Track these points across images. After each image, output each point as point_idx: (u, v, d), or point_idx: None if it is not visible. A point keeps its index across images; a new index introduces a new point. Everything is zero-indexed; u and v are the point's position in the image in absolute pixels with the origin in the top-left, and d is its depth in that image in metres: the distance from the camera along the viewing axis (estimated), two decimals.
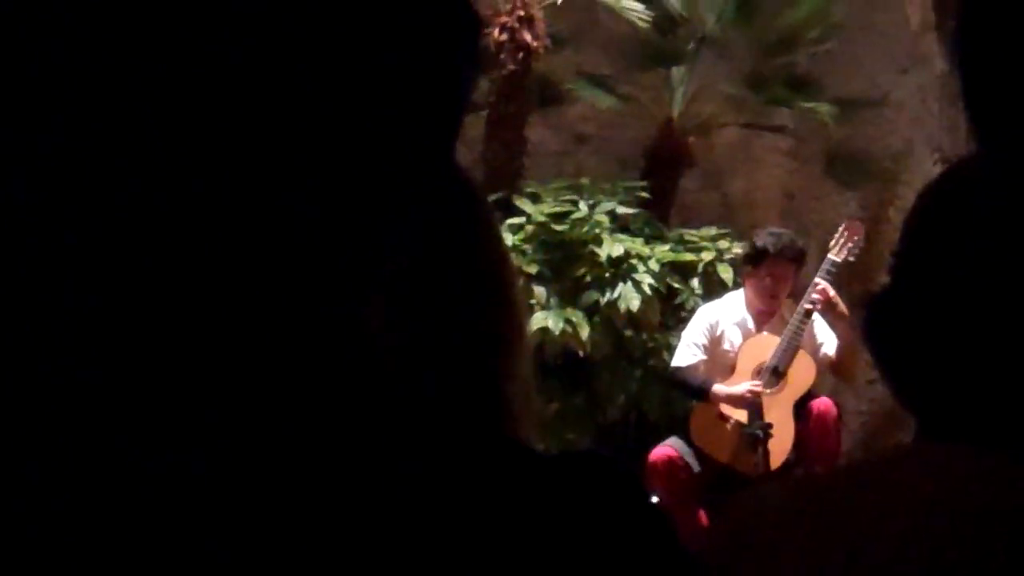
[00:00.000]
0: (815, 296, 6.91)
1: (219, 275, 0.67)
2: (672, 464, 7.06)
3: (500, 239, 1.53)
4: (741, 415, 6.97)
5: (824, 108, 9.06)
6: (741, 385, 6.99)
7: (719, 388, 7.01)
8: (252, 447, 0.68)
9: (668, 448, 7.13)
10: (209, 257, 0.66)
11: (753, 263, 7.13)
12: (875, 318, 1.49)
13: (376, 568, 0.68)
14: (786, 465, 6.93)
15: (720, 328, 7.20)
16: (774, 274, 7.02)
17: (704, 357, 7.18)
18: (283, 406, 0.69)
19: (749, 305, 7.18)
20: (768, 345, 7.08)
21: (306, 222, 0.68)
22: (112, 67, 0.64)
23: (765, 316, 7.15)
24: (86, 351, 0.65)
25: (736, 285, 7.70)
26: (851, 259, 7.09)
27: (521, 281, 7.99)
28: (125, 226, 0.65)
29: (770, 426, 6.89)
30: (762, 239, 7.12)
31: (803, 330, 6.99)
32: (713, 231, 8.59)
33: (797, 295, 7.19)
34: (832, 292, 6.86)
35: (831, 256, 7.13)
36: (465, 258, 1.31)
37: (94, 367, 0.66)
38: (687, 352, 7.22)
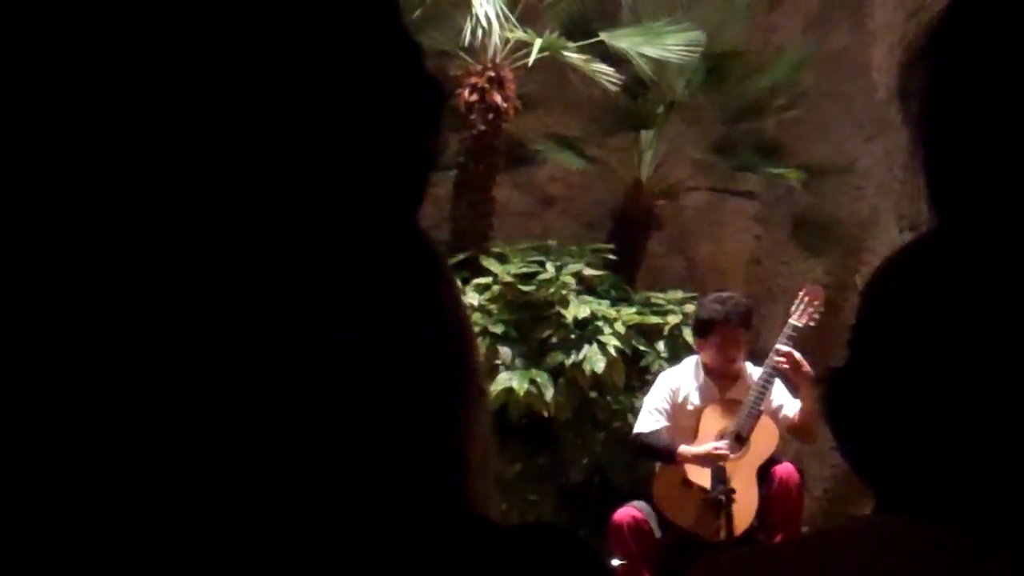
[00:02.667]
0: (778, 359, 6.93)
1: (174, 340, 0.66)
2: (637, 526, 7.03)
3: (460, 303, 1.52)
4: (705, 480, 6.94)
5: (791, 174, 9.12)
6: (707, 444, 6.97)
7: (685, 448, 6.99)
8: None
9: (633, 510, 7.10)
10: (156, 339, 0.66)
11: (702, 334, 7.16)
12: (833, 393, 1.49)
13: None
14: (750, 531, 6.92)
15: (682, 393, 7.18)
16: (724, 340, 7.05)
17: (667, 423, 7.14)
18: (227, 485, 0.68)
19: (708, 370, 7.17)
20: (730, 410, 7.08)
21: (262, 291, 0.67)
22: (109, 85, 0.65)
23: (726, 380, 7.16)
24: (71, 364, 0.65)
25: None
26: (811, 324, 7.10)
27: (487, 341, 8.07)
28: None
29: (733, 491, 6.85)
30: (707, 309, 7.16)
31: (765, 395, 7.00)
32: (680, 294, 8.61)
33: (759, 358, 7.21)
34: (797, 355, 6.86)
35: (792, 321, 7.16)
36: (424, 324, 1.30)
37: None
38: (650, 418, 7.19)
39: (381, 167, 0.70)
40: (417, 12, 8.43)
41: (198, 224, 0.66)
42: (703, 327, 7.14)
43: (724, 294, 7.39)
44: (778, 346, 6.97)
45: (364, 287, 0.72)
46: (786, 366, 6.89)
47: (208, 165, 0.66)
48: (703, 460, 6.97)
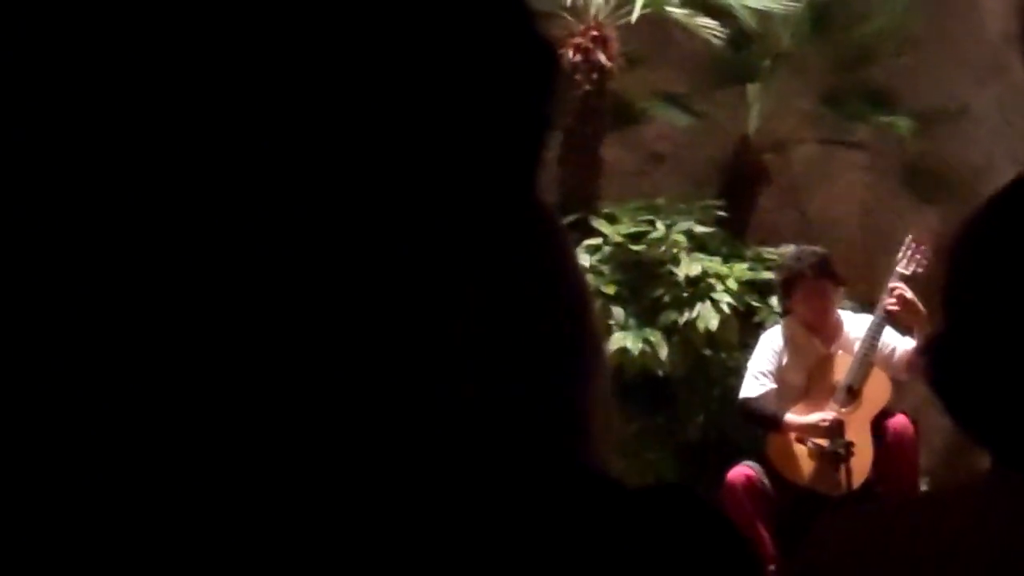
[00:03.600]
0: (889, 300, 6.85)
1: (299, 317, 0.66)
2: (751, 484, 7.03)
3: (577, 266, 1.53)
4: (822, 436, 6.91)
5: (902, 122, 9.09)
6: (813, 415, 6.93)
7: (792, 418, 6.97)
8: (333, 474, 0.68)
9: (746, 468, 7.10)
10: (288, 301, 0.66)
11: (787, 293, 7.16)
12: (936, 361, 1.47)
13: None
14: (866, 484, 6.89)
15: (786, 353, 7.16)
16: (810, 293, 7.01)
17: (773, 385, 7.12)
18: (365, 440, 0.69)
19: (807, 326, 7.13)
20: (839, 364, 7.03)
21: (390, 261, 0.68)
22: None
23: (826, 333, 7.11)
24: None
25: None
26: (919, 271, 6.98)
27: (599, 302, 8.03)
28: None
29: (852, 443, 6.84)
30: (786, 267, 7.21)
31: (876, 344, 6.92)
32: (792, 248, 8.52)
33: (871, 307, 7.16)
34: (908, 293, 6.76)
35: (899, 270, 7.06)
36: (543, 288, 1.31)
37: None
38: (755, 383, 7.17)
39: (497, 135, 0.70)
40: None
41: (321, 202, 0.66)
42: (786, 285, 7.14)
43: (801, 248, 7.40)
44: (891, 285, 6.86)
45: (485, 257, 0.72)
46: (897, 307, 6.80)
47: (325, 142, 0.66)
48: (810, 431, 6.94)
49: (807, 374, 7.08)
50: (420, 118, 0.67)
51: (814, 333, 7.10)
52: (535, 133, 0.73)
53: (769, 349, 7.19)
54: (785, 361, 7.13)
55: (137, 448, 0.66)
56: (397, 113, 0.67)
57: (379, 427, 0.70)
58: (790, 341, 7.16)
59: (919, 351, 6.15)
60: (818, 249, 7.28)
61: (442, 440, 0.72)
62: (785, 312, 7.43)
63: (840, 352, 7.06)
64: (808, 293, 7.00)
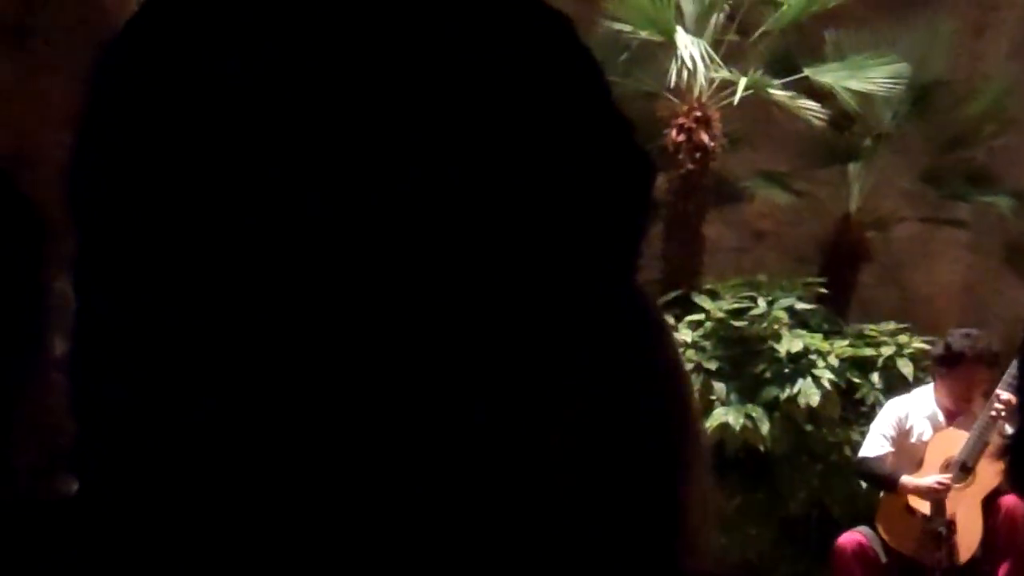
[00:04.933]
0: (998, 406, 6.78)
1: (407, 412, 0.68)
2: (862, 550, 7.01)
3: (675, 352, 1.53)
4: (926, 509, 6.89)
5: (1002, 201, 9.05)
6: (929, 477, 6.91)
7: (907, 479, 6.95)
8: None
9: (858, 535, 7.09)
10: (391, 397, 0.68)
11: (948, 365, 7.05)
12: (1012, 460, 1.43)
13: None
14: (973, 561, 6.86)
15: (909, 422, 7.12)
16: (969, 378, 6.96)
17: (892, 449, 7.10)
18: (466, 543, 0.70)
19: (939, 403, 7.09)
20: (957, 440, 6.98)
21: (496, 360, 0.69)
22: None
23: (955, 414, 7.06)
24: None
25: (917, 380, 7.67)
26: None
27: (701, 377, 8.11)
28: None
29: (952, 523, 6.81)
30: (958, 342, 7.04)
31: (992, 427, 6.86)
32: (892, 326, 8.50)
33: (989, 390, 7.06)
34: (1015, 399, 6.70)
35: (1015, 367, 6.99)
36: (641, 377, 1.31)
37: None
38: (876, 443, 7.16)
39: (600, 239, 0.72)
40: (624, 55, 8.60)
41: (436, 305, 0.68)
42: (951, 359, 7.03)
43: (975, 331, 7.27)
44: (998, 392, 6.83)
45: (587, 350, 0.73)
46: (1003, 414, 6.76)
47: (454, 248, 0.67)
48: (924, 493, 6.92)
49: (925, 446, 7.07)
50: (531, 224, 0.69)
51: (945, 409, 7.07)
52: (634, 235, 0.75)
53: (895, 415, 7.19)
54: (907, 428, 7.11)
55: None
56: (511, 217, 0.69)
57: (478, 542, 0.70)
58: (919, 411, 7.13)
59: (1000, 452, 6.19)
60: (991, 339, 7.16)
61: (543, 556, 0.72)
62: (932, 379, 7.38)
63: (960, 429, 7.02)
64: (969, 374, 6.96)
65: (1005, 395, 6.76)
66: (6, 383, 1.38)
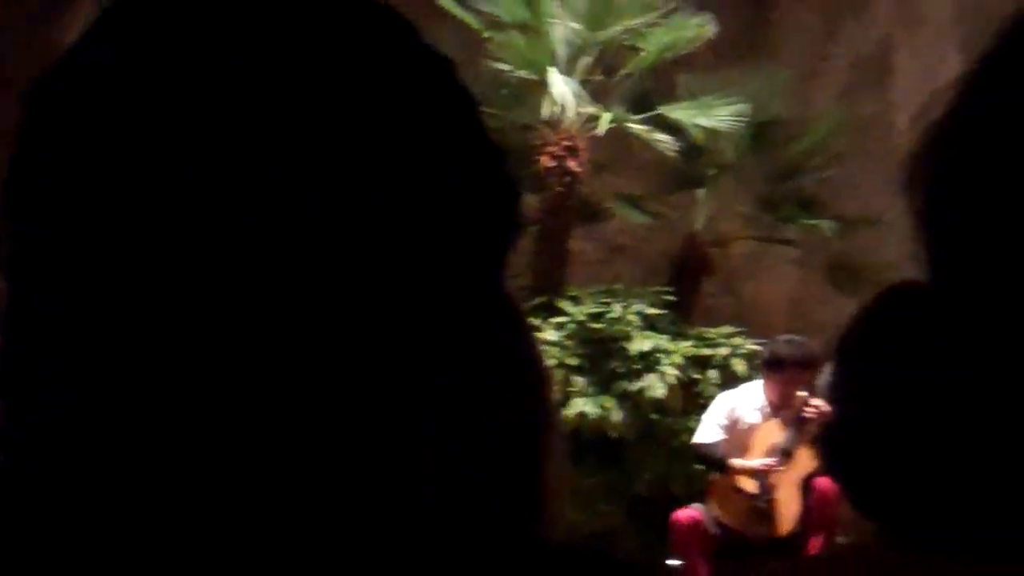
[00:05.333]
0: (810, 409, 6.77)
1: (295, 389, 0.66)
2: (695, 524, 6.99)
3: (537, 348, 1.53)
4: (753, 488, 6.90)
5: (826, 225, 9.09)
6: (756, 460, 6.92)
7: (736, 461, 6.95)
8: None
9: (692, 511, 7.08)
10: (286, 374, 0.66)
11: (772, 369, 7.00)
12: (828, 450, 1.49)
13: None
14: (793, 535, 6.87)
15: (738, 413, 7.09)
16: (790, 380, 6.90)
17: (724, 436, 7.06)
18: (341, 516, 0.68)
19: (766, 397, 7.07)
20: (780, 430, 6.98)
21: (383, 344, 0.68)
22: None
23: (779, 408, 7.05)
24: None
25: (750, 376, 7.62)
26: None
27: (563, 372, 8.05)
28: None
29: (775, 500, 6.84)
30: (781, 348, 7.01)
31: (808, 422, 6.88)
32: (728, 329, 8.57)
33: (810, 385, 7.07)
34: (826, 408, 6.69)
35: (826, 372, 7.01)
36: (506, 367, 1.32)
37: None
38: (709, 431, 7.12)
39: (476, 248, 0.72)
40: (504, 91, 8.50)
41: (355, 294, 0.67)
42: (775, 363, 6.98)
43: (797, 338, 7.19)
44: (811, 399, 6.77)
45: (459, 346, 0.72)
46: (812, 416, 6.74)
47: (363, 257, 0.67)
48: (751, 474, 6.93)
49: (752, 434, 7.04)
50: (417, 240, 0.69)
51: (771, 404, 7.03)
52: (500, 250, 0.74)
53: (726, 406, 7.14)
54: (739, 418, 7.07)
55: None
56: (400, 236, 0.68)
57: (350, 504, 0.68)
58: (748, 404, 7.10)
59: (816, 441, 6.15)
60: (812, 345, 7.02)
61: (406, 528, 0.70)
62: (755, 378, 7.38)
63: (782, 420, 7.02)
64: (790, 378, 6.88)
65: (816, 401, 6.78)
66: None
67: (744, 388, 7.32)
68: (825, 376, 6.84)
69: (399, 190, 0.68)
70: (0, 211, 0.68)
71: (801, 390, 6.88)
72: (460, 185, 0.71)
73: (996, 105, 0.65)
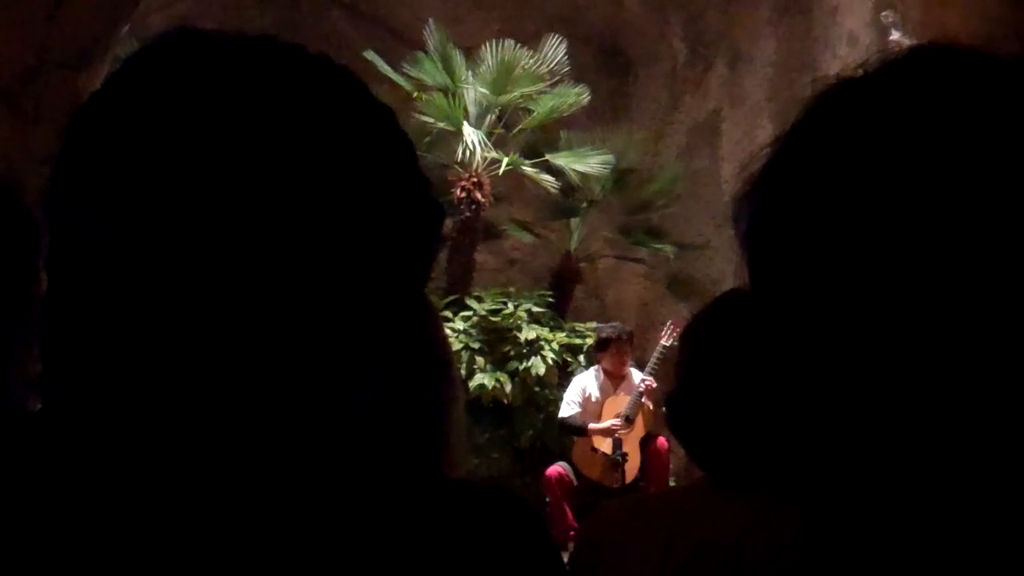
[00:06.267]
0: (643, 386, 6.89)
1: (255, 358, 0.65)
2: (561, 478, 6.99)
3: (443, 332, 1.53)
4: (607, 447, 6.91)
5: (668, 248, 9.13)
6: (607, 422, 6.95)
7: (593, 425, 6.97)
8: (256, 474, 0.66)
9: (558, 467, 7.07)
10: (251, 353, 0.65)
11: (602, 349, 7.11)
12: (672, 411, 1.52)
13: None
14: (635, 481, 6.89)
15: (589, 390, 7.13)
16: (618, 352, 7.02)
17: (580, 410, 7.10)
18: (285, 452, 0.67)
19: (606, 374, 7.13)
20: (623, 401, 7.04)
21: (326, 331, 0.67)
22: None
23: (618, 380, 7.13)
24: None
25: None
26: (675, 343, 7.05)
27: (467, 354, 8.01)
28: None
29: (627, 454, 6.87)
30: (606, 331, 7.17)
31: (642, 396, 6.99)
32: (594, 324, 8.52)
33: (642, 365, 7.18)
34: (653, 384, 6.86)
35: (662, 343, 7.17)
36: (423, 347, 1.32)
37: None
38: (568, 408, 7.15)
39: (406, 258, 0.71)
40: (428, 138, 8.46)
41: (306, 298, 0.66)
42: (603, 344, 7.08)
43: (614, 323, 7.39)
44: (644, 376, 6.91)
45: (389, 331, 0.72)
46: (643, 388, 6.86)
47: (310, 269, 0.65)
48: (605, 432, 6.95)
49: (601, 406, 7.07)
50: (357, 256, 0.68)
51: (611, 379, 7.10)
52: (428, 256, 0.74)
53: (579, 387, 7.16)
54: (590, 395, 7.09)
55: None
56: (343, 252, 0.67)
57: (301, 427, 0.67)
58: (595, 383, 7.13)
59: (663, 403, 6.20)
60: (625, 326, 7.30)
61: (343, 442, 0.70)
62: (593, 363, 7.41)
63: (624, 394, 7.09)
64: (617, 350, 6.99)
65: (648, 379, 6.88)
66: (8, 330, 1.32)
67: (591, 371, 7.33)
68: (651, 363, 6.99)
69: (357, 207, 0.67)
70: (42, 216, 0.68)
71: (626, 361, 6.96)
72: (404, 205, 0.70)
73: (799, 160, 0.66)
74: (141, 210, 0.63)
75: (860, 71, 0.67)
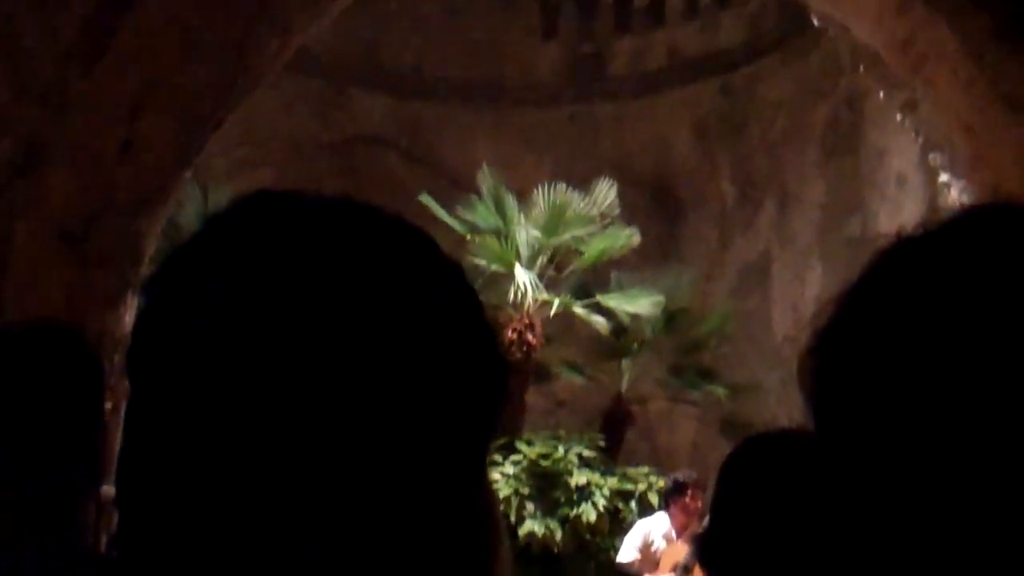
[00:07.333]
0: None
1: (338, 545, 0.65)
2: None
3: (495, 502, 1.53)
4: None
5: (720, 390, 9.08)
6: (664, 574, 6.80)
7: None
8: None
9: None
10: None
11: (680, 492, 6.94)
12: (702, 547, 1.51)
13: None
14: None
15: (651, 537, 6.99)
16: (693, 497, 6.86)
17: (639, 556, 6.96)
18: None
19: (673, 520, 6.97)
20: (682, 550, 6.82)
21: (394, 492, 0.66)
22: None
23: (684, 528, 6.97)
24: None
25: (661, 507, 7.55)
26: None
27: (517, 499, 7.92)
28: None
29: None
30: (683, 476, 7.02)
31: None
32: (646, 469, 8.47)
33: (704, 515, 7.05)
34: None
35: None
36: (471, 509, 1.32)
37: None
38: (627, 552, 7.02)
39: (472, 415, 0.70)
40: (480, 281, 8.58)
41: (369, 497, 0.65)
42: (679, 488, 6.89)
43: (693, 471, 7.16)
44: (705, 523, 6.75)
45: (454, 486, 0.70)
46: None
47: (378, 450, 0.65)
48: None
49: (660, 554, 6.92)
50: (427, 416, 0.67)
51: (677, 526, 6.90)
52: (492, 413, 0.72)
53: (640, 532, 7.03)
54: (652, 541, 6.94)
55: None
56: (414, 413, 0.67)
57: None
58: (659, 529, 6.98)
59: (693, 543, 6.11)
60: (699, 475, 7.00)
61: None
62: (666, 506, 7.18)
63: (682, 543, 6.87)
64: (691, 498, 6.83)
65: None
66: (76, 476, 1.33)
67: (655, 516, 7.21)
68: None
69: (427, 366, 0.67)
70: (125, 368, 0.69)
71: (698, 507, 6.83)
72: (471, 362, 0.70)
73: (863, 320, 0.68)
74: (221, 375, 0.64)
75: (920, 230, 0.69)
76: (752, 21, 9.81)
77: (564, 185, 8.89)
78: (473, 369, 0.70)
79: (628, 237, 8.95)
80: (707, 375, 9.30)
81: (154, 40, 4.01)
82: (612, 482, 8.24)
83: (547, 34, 10.59)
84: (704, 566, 1.50)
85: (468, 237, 8.68)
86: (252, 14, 4.19)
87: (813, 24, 5.36)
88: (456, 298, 0.71)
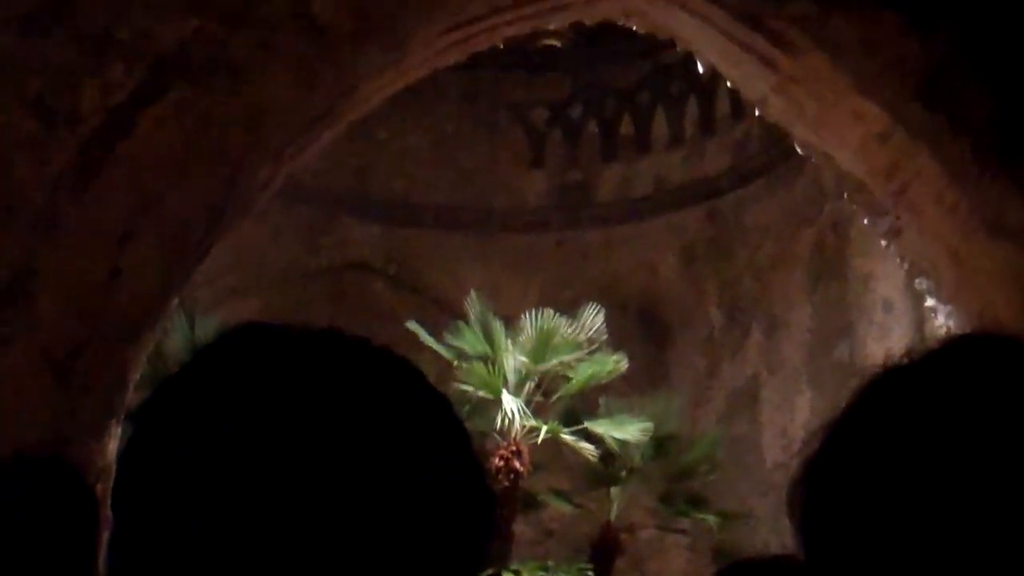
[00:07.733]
0: None
1: None
2: None
3: None
4: None
5: (711, 518, 8.98)
6: None
7: None
8: None
9: None
10: None
11: None
12: None
13: None
14: None
15: None
16: None
17: None
18: None
19: None
20: None
21: None
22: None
23: None
24: None
25: None
26: None
27: None
28: None
29: None
30: None
31: None
32: None
33: None
34: None
35: None
36: None
37: None
38: None
39: (459, 545, 0.71)
40: (467, 406, 8.51)
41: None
42: None
43: None
44: None
45: None
46: None
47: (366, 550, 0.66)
48: None
49: None
50: (413, 545, 0.68)
51: None
52: (483, 538, 0.73)
53: None
54: None
55: None
56: (400, 541, 0.67)
57: None
58: None
59: None
60: None
61: None
62: None
63: None
64: None
65: None
66: None
67: None
68: None
69: (414, 497, 0.68)
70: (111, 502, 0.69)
71: None
72: (458, 493, 0.71)
73: (850, 449, 0.68)
74: (209, 506, 0.65)
75: (905, 360, 0.70)
76: (737, 148, 10.00)
77: (551, 311, 8.92)
78: (460, 504, 0.71)
79: (616, 363, 8.95)
80: (697, 502, 9.18)
81: (144, 168, 4.07)
82: None
83: (534, 162, 10.77)
84: None
85: (455, 363, 8.65)
86: (243, 143, 4.25)
87: (797, 151, 5.47)
88: (443, 432, 0.72)
